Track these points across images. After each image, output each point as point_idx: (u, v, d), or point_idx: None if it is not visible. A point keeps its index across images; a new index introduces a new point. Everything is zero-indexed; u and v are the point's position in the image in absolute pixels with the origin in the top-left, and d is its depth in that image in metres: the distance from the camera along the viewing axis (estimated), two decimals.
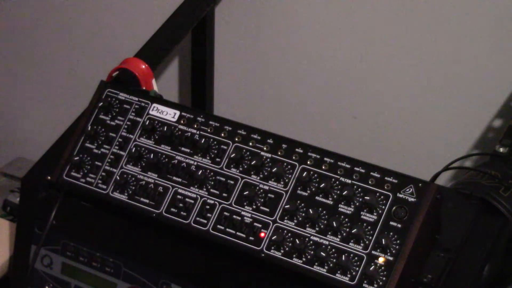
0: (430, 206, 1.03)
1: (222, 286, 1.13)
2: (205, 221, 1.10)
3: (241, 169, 1.11)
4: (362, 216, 1.05)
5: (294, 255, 1.05)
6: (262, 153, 1.11)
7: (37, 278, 1.23)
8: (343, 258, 1.03)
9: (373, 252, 1.03)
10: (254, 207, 1.09)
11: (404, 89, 1.63)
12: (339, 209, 1.06)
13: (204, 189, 1.12)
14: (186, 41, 1.68)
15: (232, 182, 1.11)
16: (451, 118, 1.61)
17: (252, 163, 1.11)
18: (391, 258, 1.02)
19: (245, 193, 1.10)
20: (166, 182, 1.14)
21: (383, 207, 1.04)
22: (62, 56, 1.97)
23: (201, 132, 1.15)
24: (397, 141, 1.67)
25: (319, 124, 1.74)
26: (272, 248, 1.06)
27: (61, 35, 1.95)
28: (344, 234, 1.04)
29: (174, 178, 1.14)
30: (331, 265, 1.04)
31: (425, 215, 1.02)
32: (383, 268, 1.02)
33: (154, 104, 1.18)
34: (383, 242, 1.02)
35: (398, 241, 1.02)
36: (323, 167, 1.08)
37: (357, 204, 1.05)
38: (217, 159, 1.13)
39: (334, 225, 1.04)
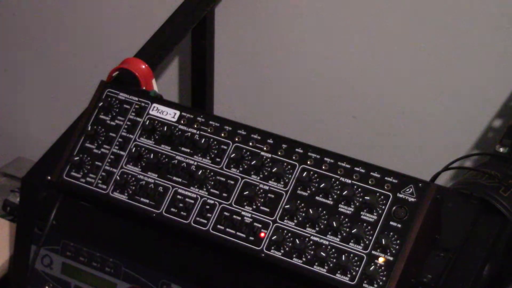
0: (430, 206, 1.03)
1: (222, 286, 1.13)
2: (205, 221, 1.10)
3: (241, 169, 1.11)
4: (362, 216, 1.05)
5: (294, 255, 1.05)
6: (262, 153, 1.11)
7: (37, 278, 1.23)
8: (343, 258, 1.03)
9: (373, 252, 1.03)
10: (254, 207, 1.09)
11: (404, 89, 1.63)
12: (339, 209, 1.06)
13: (204, 189, 1.12)
14: (186, 41, 1.68)
15: (232, 182, 1.11)
16: (451, 118, 1.60)
17: (252, 163, 1.11)
18: (391, 258, 1.02)
19: (245, 193, 1.10)
20: (166, 182, 1.14)
21: (383, 207, 1.04)
22: (62, 56, 1.97)
23: (201, 132, 1.15)
24: (397, 141, 1.67)
25: (319, 124, 1.74)
26: (272, 248, 1.06)
27: (61, 35, 1.95)
28: (344, 234, 1.04)
29: (174, 178, 1.14)
30: (331, 265, 1.04)
31: (425, 215, 1.02)
32: (383, 268, 1.02)
33: (154, 104, 1.18)
34: (383, 242, 1.02)
35: (398, 241, 1.02)
36: (323, 167, 1.08)
37: (357, 204, 1.05)
38: (217, 159, 1.13)
39: (334, 225, 1.04)
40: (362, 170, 1.07)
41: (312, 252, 1.05)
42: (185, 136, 1.15)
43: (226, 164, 1.12)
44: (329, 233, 1.05)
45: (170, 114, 1.17)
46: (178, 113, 1.17)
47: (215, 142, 1.14)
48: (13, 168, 1.98)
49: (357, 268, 1.02)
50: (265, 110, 1.78)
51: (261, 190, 1.09)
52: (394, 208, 1.04)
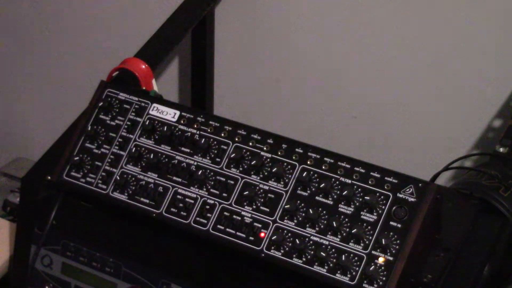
0: (430, 206, 1.03)
1: (222, 286, 1.13)
2: (205, 221, 1.10)
3: (241, 169, 1.11)
4: (362, 216, 1.05)
5: (294, 255, 1.05)
6: (262, 153, 1.11)
7: (37, 278, 1.23)
8: (343, 258, 1.03)
9: (373, 252, 1.03)
10: (254, 207, 1.09)
11: (404, 89, 1.63)
12: (339, 209, 1.06)
13: (204, 189, 1.12)
14: (186, 41, 1.68)
15: (232, 182, 1.11)
16: (451, 118, 1.61)
17: (252, 163, 1.11)
18: (391, 258, 1.02)
19: (245, 193, 1.10)
20: (166, 182, 1.14)
21: (383, 207, 1.04)
22: (62, 56, 1.97)
23: (201, 132, 1.15)
24: (397, 141, 1.67)
25: (319, 124, 1.74)
26: (272, 248, 1.06)
27: (60, 35, 1.95)
28: (344, 234, 1.04)
29: (174, 178, 1.14)
30: (331, 265, 1.04)
31: (425, 215, 1.02)
32: (383, 268, 1.02)
33: (154, 104, 1.18)
34: (383, 242, 1.02)
35: (398, 241, 1.02)
36: (323, 167, 1.08)
37: (357, 204, 1.05)
38: (217, 159, 1.13)
39: (334, 225, 1.04)
40: (362, 170, 1.07)
41: (312, 252, 1.05)
42: (185, 136, 1.15)
43: (226, 164, 1.12)
44: (329, 233, 1.05)
45: (170, 114, 1.17)
46: (178, 113, 1.17)
47: (215, 142, 1.14)
48: (13, 168, 1.98)
49: (357, 268, 1.02)
50: (265, 110, 1.78)
51: (261, 190, 1.09)
52: (394, 208, 1.04)
